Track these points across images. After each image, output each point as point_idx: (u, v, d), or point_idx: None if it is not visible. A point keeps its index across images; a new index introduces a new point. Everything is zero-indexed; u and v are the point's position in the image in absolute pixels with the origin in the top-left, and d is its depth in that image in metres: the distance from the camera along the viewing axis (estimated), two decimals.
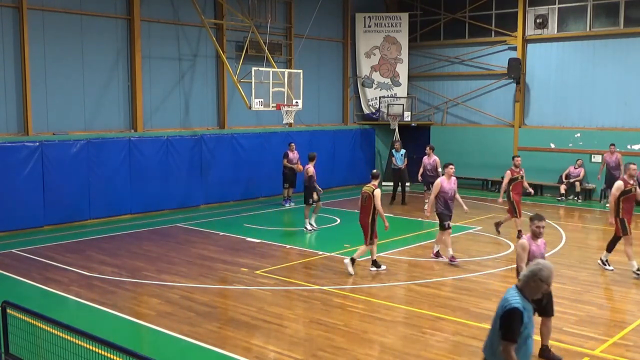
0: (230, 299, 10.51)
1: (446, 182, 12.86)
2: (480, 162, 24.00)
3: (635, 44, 20.87)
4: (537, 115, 23.18)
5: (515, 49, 23.24)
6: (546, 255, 13.20)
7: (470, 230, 16.00)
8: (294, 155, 19.79)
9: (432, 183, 14.31)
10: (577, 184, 21.29)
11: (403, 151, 20.64)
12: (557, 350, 8.08)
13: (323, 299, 10.26)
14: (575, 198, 21.30)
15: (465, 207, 12.97)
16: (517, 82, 23.01)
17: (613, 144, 20.08)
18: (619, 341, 8.43)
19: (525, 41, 23.13)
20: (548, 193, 22.47)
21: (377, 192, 11.76)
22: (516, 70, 22.71)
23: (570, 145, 22.05)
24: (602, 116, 21.59)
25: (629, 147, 20.46)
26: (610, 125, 21.38)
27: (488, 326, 8.78)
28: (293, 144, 19.99)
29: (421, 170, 19.16)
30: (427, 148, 19.29)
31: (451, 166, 13.15)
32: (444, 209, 12.63)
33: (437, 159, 18.78)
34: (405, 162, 20.67)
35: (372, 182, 12.01)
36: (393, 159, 20.38)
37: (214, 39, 19.13)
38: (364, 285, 11.11)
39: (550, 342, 8.26)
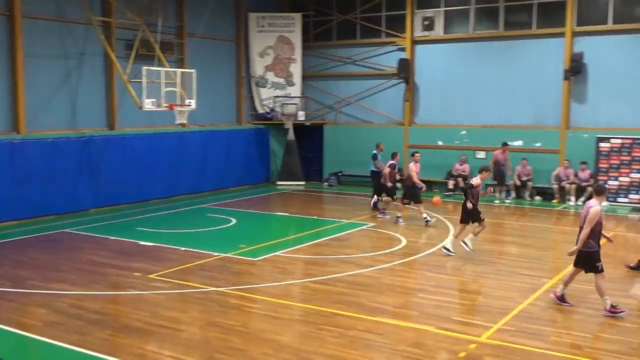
0: (123, 305, 10.23)
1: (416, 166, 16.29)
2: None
3: (515, 46, 22.10)
4: (426, 113, 24.05)
5: (404, 49, 23.99)
6: (434, 249, 13.77)
7: (364, 227, 16.37)
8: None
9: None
10: (462, 179, 22.23)
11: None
12: (445, 339, 8.44)
13: (219, 300, 10.19)
14: (460, 192, 22.22)
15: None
16: (406, 82, 23.77)
17: (506, 143, 21.18)
18: (503, 327, 8.90)
19: (414, 42, 23.93)
20: (437, 188, 23.33)
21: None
22: (405, 70, 23.46)
23: (457, 142, 23.03)
24: (485, 114, 22.70)
25: (510, 143, 21.59)
26: (493, 123, 22.51)
27: (382, 320, 9.08)
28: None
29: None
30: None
31: (417, 154, 16.65)
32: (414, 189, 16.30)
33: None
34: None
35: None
36: (376, 161, 19.34)
37: (103, 37, 18.51)
38: (261, 285, 11.12)
39: (438, 332, 8.63)
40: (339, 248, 13.94)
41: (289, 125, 24.80)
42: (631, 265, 12.20)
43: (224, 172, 23.19)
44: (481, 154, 22.38)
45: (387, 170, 17.75)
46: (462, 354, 7.90)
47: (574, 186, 20.60)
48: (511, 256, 13.55)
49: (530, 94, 21.90)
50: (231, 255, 13.14)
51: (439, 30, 23.46)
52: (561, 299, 9.86)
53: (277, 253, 13.33)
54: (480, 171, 13.57)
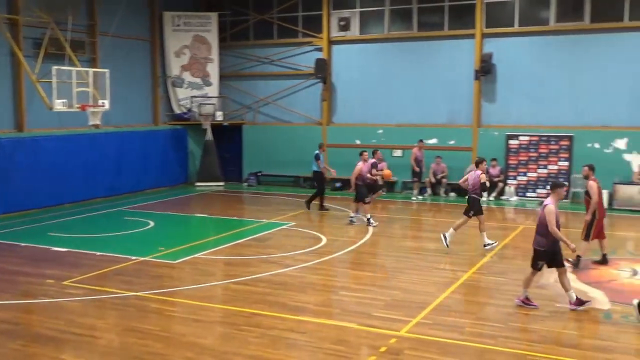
0: (36, 313, 9.84)
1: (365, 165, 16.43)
2: (292, 160, 24.67)
3: (428, 46, 22.69)
4: (343, 113, 24.34)
5: (321, 49, 24.18)
6: (354, 246, 13.96)
7: (284, 226, 16.41)
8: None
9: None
10: (380, 177, 22.60)
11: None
12: (367, 335, 8.59)
13: (138, 305, 9.97)
14: (380, 191, 22.60)
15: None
16: (324, 82, 23.97)
17: (422, 140, 21.71)
18: (422, 320, 9.14)
19: (331, 42, 24.16)
20: None
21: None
22: (323, 70, 23.66)
23: (374, 141, 23.41)
24: (401, 113, 23.20)
25: (425, 141, 22.14)
26: (408, 122, 23.04)
27: (304, 318, 9.13)
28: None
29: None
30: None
31: (365, 153, 16.94)
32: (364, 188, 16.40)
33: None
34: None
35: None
36: (319, 162, 19.07)
37: (9, 35, 17.73)
38: (181, 288, 10.96)
39: (360, 328, 8.77)
40: (259, 248, 13.91)
41: (207, 125, 24.52)
42: (570, 260, 12.46)
43: (141, 174, 22.69)
44: (398, 152, 22.87)
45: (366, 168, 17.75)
46: (383, 349, 8.05)
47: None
48: (429, 251, 13.91)
49: (444, 93, 22.55)
50: (150, 259, 12.88)
51: (355, 31, 23.78)
52: (525, 301, 9.73)
53: (197, 255, 13.17)
54: (478, 164, 13.96)
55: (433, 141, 22.55)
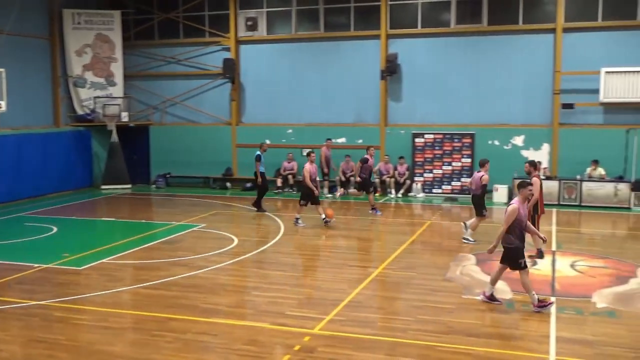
0: None
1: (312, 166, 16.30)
2: (201, 161, 24.40)
3: (335, 46, 22.98)
4: (253, 113, 24.27)
5: (229, 49, 24.01)
6: (266, 246, 13.96)
7: (195, 228, 16.19)
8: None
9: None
10: (291, 176, 22.76)
11: None
12: (281, 334, 8.62)
13: (42, 314, 9.56)
14: (290, 190, 22.76)
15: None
16: (232, 82, 23.82)
17: (330, 139, 21.93)
18: (335, 317, 9.26)
19: (238, 42, 24.03)
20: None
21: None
22: (231, 70, 23.50)
23: (284, 141, 23.50)
24: (310, 113, 23.39)
25: (333, 141, 22.43)
26: (317, 121, 23.26)
27: (217, 320, 9.06)
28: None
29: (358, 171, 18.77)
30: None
31: (313, 154, 16.71)
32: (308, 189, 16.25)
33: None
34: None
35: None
36: (258, 163, 18.62)
37: None
38: (88, 295, 10.60)
39: (273, 327, 8.79)
40: (170, 251, 13.66)
41: (112, 126, 23.83)
42: (532, 255, 12.60)
43: (42, 178, 21.75)
44: (307, 151, 22.99)
45: (358, 163, 18.46)
46: (297, 347, 8.11)
47: (393, 180, 21.90)
48: (340, 249, 14.10)
49: (351, 93, 22.92)
50: (53, 266, 12.38)
51: (262, 31, 23.76)
52: (491, 298, 9.80)
53: (104, 260, 12.79)
54: (483, 164, 14.05)
55: (342, 140, 22.87)
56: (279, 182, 22.72)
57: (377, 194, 21.87)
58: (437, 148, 21.98)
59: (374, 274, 11.64)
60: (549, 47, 20.78)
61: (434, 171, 22.06)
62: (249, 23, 23.67)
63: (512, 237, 9.48)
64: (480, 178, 13.97)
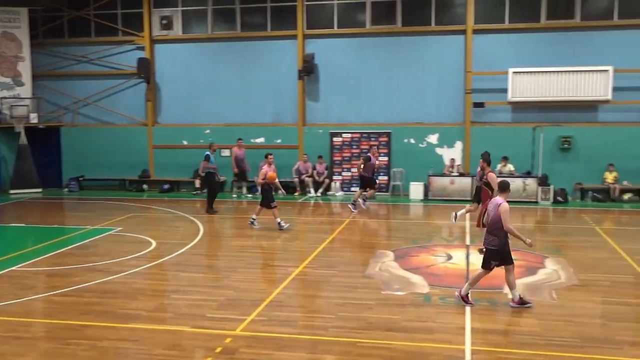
0: None
1: (270, 168, 15.72)
2: (117, 162, 23.80)
3: (253, 46, 22.92)
4: (169, 113, 23.87)
5: (143, 49, 23.50)
6: (185, 248, 13.77)
7: (111, 232, 15.76)
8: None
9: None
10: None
11: None
12: (202, 336, 8.52)
13: None
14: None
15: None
16: (147, 82, 23.33)
17: (241, 138, 21.78)
18: (256, 318, 9.24)
19: (153, 41, 23.56)
20: (184, 188, 23.35)
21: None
22: (146, 69, 23.02)
23: (202, 141, 23.22)
24: (229, 113, 23.22)
25: (252, 140, 22.37)
26: (235, 122, 23.12)
27: (136, 326, 8.86)
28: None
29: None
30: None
31: (271, 156, 16.10)
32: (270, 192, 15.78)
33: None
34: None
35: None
36: (207, 162, 18.28)
37: None
38: None
39: (194, 330, 8.69)
40: (84, 256, 13.24)
41: (20, 128, 22.87)
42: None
43: None
44: (226, 152, 22.86)
45: (361, 161, 18.94)
46: (218, 349, 8.04)
47: (312, 179, 22.06)
48: (260, 249, 14.08)
49: (270, 93, 22.92)
50: None
51: (177, 30, 23.40)
52: (520, 302, 9.59)
53: (13, 268, 12.24)
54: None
55: (260, 140, 22.83)
56: (197, 183, 22.44)
57: (296, 194, 22.00)
58: (354, 147, 22.29)
59: (295, 273, 11.69)
60: (460, 48, 21.47)
61: (352, 170, 22.35)
62: (164, 22, 23.25)
63: (496, 239, 9.41)
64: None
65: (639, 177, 20.63)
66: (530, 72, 20.62)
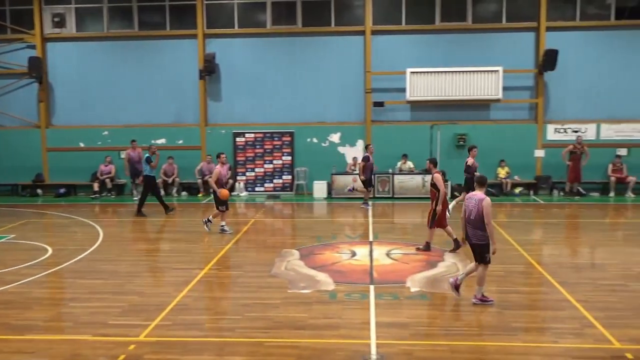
0: None
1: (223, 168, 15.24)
2: (8, 166, 22.69)
3: (151, 46, 22.45)
4: (64, 114, 22.96)
5: (34, 47, 22.48)
6: (84, 254, 13.31)
7: (2, 240, 14.99)
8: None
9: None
10: (109, 180, 21.88)
11: None
12: (104, 345, 8.28)
13: None
14: (109, 194, 21.87)
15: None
16: (39, 82, 22.35)
17: (134, 140, 21.26)
18: (161, 323, 9.06)
19: (45, 40, 22.59)
20: (82, 192, 22.55)
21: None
22: (37, 69, 22.06)
23: (100, 143, 22.51)
24: (128, 114, 22.62)
25: (152, 141, 21.89)
26: (135, 122, 22.54)
27: (33, 337, 8.49)
28: None
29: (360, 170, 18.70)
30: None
31: (223, 155, 15.61)
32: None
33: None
34: None
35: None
36: (152, 164, 17.56)
37: None
38: None
39: (95, 339, 8.43)
40: None
41: None
42: (420, 247, 13.17)
43: None
44: (124, 154, 22.22)
45: (361, 163, 18.65)
46: (121, 357, 7.84)
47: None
48: (164, 252, 13.82)
49: (170, 93, 22.51)
50: None
51: (71, 28, 22.55)
52: (482, 299, 9.61)
53: None
54: (470, 149, 15.57)
55: (162, 141, 22.38)
56: (96, 186, 21.73)
57: (199, 195, 21.75)
58: (257, 147, 22.28)
59: (200, 275, 11.55)
60: (360, 48, 21.90)
61: (256, 170, 22.34)
62: (56, 19, 22.32)
63: (483, 233, 9.42)
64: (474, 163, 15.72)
65: (527, 172, 21.81)
66: (427, 72, 21.32)
